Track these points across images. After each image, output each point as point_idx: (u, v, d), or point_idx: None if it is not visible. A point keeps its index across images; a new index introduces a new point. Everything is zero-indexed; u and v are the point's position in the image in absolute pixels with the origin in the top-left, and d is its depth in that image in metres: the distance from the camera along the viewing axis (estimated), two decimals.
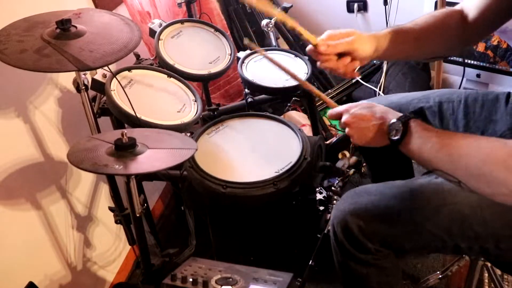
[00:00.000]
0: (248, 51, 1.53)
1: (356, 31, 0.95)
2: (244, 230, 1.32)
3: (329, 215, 1.38)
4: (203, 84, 1.61)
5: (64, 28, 0.96)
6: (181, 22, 1.53)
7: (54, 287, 1.33)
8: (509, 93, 1.06)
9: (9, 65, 0.88)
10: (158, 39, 1.43)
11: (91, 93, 1.18)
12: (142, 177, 1.37)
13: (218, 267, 1.01)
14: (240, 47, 2.29)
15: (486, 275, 1.29)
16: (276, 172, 1.11)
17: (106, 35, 1.00)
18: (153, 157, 0.91)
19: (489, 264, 1.21)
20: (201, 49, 1.50)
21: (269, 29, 1.92)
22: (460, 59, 2.12)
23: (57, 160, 1.33)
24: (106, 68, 1.12)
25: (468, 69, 2.13)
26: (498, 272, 1.27)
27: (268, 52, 1.58)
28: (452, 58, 2.16)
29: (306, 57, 1.48)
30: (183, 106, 1.25)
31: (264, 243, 1.33)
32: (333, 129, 2.13)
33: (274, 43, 2.14)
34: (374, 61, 2.37)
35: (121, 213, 1.32)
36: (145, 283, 1.18)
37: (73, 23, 0.98)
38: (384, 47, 0.97)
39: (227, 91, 2.19)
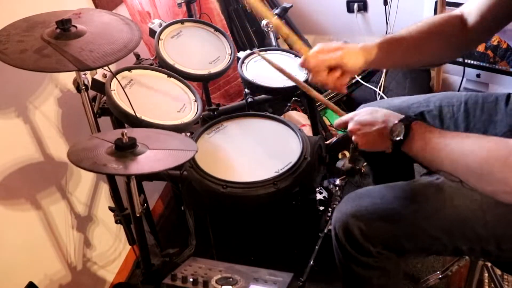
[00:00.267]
0: (248, 51, 1.53)
1: (346, 45, 0.96)
2: (244, 230, 1.32)
3: (329, 214, 1.38)
4: (203, 84, 1.61)
5: (64, 28, 0.96)
6: (181, 22, 1.53)
7: (54, 287, 1.33)
8: (509, 95, 1.06)
9: (9, 65, 0.88)
10: (158, 39, 1.43)
11: (91, 93, 1.18)
12: (142, 177, 1.37)
13: (218, 267, 1.01)
14: (240, 47, 2.29)
15: (486, 275, 1.29)
16: (276, 172, 1.11)
17: (106, 35, 1.00)
18: (154, 158, 0.91)
19: (489, 264, 1.21)
20: (201, 49, 1.50)
21: (269, 29, 1.91)
22: (460, 59, 2.12)
23: (57, 160, 1.33)
24: (106, 68, 1.12)
25: (468, 69, 2.13)
26: (498, 272, 1.27)
27: (268, 52, 1.58)
28: (452, 60, 2.16)
29: None
30: (183, 106, 1.25)
31: (264, 243, 1.33)
32: (333, 129, 2.13)
33: (274, 43, 2.14)
34: None
35: (121, 213, 1.32)
36: (145, 283, 1.18)
37: (73, 23, 0.98)
38: (374, 58, 0.97)
39: (227, 91, 2.19)
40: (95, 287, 1.54)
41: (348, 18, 2.55)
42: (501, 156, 0.68)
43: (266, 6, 0.96)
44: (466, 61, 2.11)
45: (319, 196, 1.46)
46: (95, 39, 0.98)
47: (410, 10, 2.25)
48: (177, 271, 0.99)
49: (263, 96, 1.54)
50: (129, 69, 1.26)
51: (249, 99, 1.50)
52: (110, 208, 1.36)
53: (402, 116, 0.83)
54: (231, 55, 1.50)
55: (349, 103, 2.37)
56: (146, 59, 1.44)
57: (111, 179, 1.33)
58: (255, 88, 1.43)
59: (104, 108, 1.27)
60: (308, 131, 1.80)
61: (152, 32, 1.48)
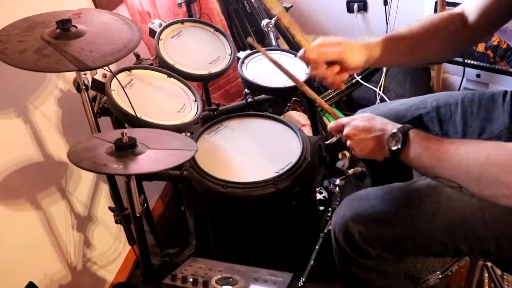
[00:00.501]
0: (248, 51, 1.53)
1: (347, 41, 0.96)
2: (244, 230, 1.32)
3: (329, 214, 1.38)
4: (203, 84, 1.61)
5: (64, 28, 0.96)
6: (181, 22, 1.53)
7: (54, 287, 1.33)
8: (505, 92, 1.05)
9: (9, 65, 0.88)
10: (158, 39, 1.43)
11: (91, 93, 1.18)
12: (142, 177, 1.37)
13: (218, 267, 1.01)
14: (240, 47, 2.29)
15: (486, 275, 1.29)
16: (276, 172, 1.11)
17: (106, 35, 1.00)
18: (153, 158, 0.91)
19: (489, 264, 1.21)
20: (201, 49, 1.50)
21: (269, 29, 1.92)
22: (460, 59, 2.12)
23: (57, 160, 1.33)
24: (106, 68, 1.12)
25: (468, 69, 2.13)
26: (498, 272, 1.27)
27: (268, 52, 1.58)
28: (452, 58, 2.16)
29: None
30: (183, 106, 1.25)
31: (264, 243, 1.33)
32: None
33: (274, 43, 2.14)
34: None
35: (121, 213, 1.32)
36: (145, 283, 1.18)
37: (73, 23, 0.98)
38: (376, 56, 0.97)
39: (227, 91, 2.19)
40: (95, 287, 1.54)
41: (348, 18, 2.55)
42: (500, 161, 0.68)
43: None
44: (466, 61, 2.11)
45: (319, 196, 1.46)
46: (95, 39, 0.98)
47: (410, 10, 2.25)
48: (177, 271, 0.99)
49: (263, 96, 1.54)
50: (129, 69, 1.26)
51: (249, 99, 1.50)
52: (110, 208, 1.36)
53: (399, 126, 0.82)
54: (231, 55, 1.50)
55: (349, 103, 2.37)
56: (146, 59, 1.44)
57: (111, 179, 1.33)
58: (255, 88, 1.43)
59: (104, 108, 1.27)
60: (308, 131, 1.80)
61: (152, 32, 1.48)
